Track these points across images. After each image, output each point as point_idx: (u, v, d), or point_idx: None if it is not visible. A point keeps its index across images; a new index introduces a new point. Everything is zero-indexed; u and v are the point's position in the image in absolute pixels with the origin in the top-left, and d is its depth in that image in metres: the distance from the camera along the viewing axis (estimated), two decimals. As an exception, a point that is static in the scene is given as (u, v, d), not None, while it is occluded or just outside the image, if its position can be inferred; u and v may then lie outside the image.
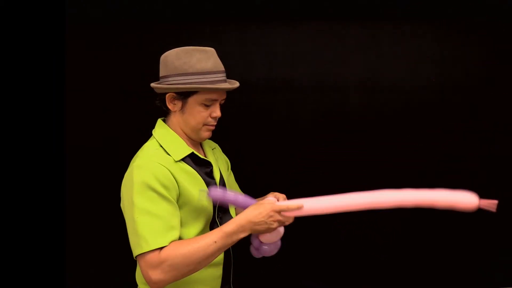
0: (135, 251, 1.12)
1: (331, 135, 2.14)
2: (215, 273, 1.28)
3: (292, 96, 2.09)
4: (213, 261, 1.18)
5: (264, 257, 1.32)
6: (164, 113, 1.32)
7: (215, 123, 1.28)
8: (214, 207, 1.29)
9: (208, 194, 1.21)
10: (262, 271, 2.01)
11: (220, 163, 1.43)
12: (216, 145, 1.50)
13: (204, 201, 1.24)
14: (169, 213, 1.14)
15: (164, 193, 1.14)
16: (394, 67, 2.09)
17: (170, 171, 1.17)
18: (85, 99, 2.02)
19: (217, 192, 1.22)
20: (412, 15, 2.04)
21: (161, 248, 1.10)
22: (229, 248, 1.26)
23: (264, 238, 1.24)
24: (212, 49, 1.26)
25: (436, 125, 2.14)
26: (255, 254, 1.30)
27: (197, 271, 1.14)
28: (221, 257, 1.28)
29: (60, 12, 1.82)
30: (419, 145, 2.16)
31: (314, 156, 2.15)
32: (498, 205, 1.27)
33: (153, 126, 1.36)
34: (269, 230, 1.17)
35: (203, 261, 1.11)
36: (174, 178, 1.17)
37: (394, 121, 2.13)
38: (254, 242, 1.28)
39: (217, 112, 1.25)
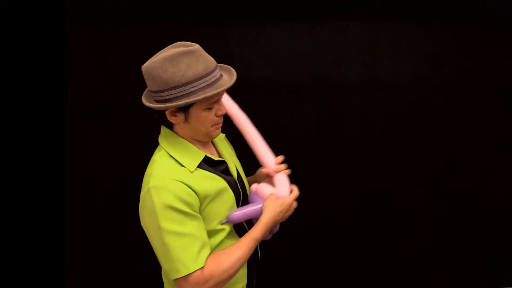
0: (173, 275, 1.11)
1: (331, 135, 2.14)
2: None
3: (292, 96, 2.09)
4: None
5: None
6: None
7: (222, 119, 1.24)
8: (238, 201, 1.28)
9: (229, 220, 1.21)
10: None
11: (232, 154, 1.40)
12: (223, 134, 1.46)
13: (226, 202, 1.24)
14: (199, 230, 1.13)
15: (189, 210, 1.11)
16: (394, 67, 2.09)
17: (188, 185, 1.13)
18: (85, 99, 2.02)
19: (237, 214, 1.22)
20: (412, 15, 2.04)
21: (201, 268, 1.11)
22: (251, 262, 1.33)
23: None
24: (197, 46, 1.13)
25: (436, 125, 2.14)
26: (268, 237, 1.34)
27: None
28: (244, 268, 1.31)
29: (60, 12, 1.82)
30: (419, 145, 2.16)
31: (314, 156, 2.15)
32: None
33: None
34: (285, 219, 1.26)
35: (239, 268, 1.16)
36: (194, 191, 1.14)
37: (394, 121, 2.13)
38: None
39: (222, 110, 1.19)
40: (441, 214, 2.22)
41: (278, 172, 1.32)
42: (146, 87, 2.13)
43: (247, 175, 1.51)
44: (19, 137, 1.67)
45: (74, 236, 2.10)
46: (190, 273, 1.09)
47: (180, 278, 1.10)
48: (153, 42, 1.99)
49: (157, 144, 1.28)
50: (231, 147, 1.48)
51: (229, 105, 1.34)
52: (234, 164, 1.35)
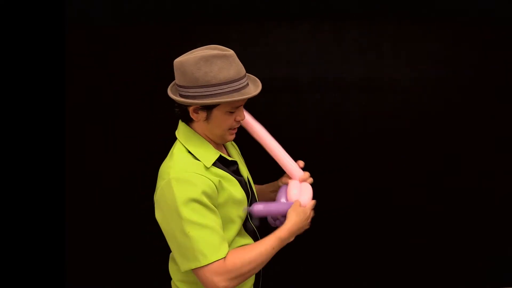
0: (192, 265, 1.13)
1: (331, 135, 2.14)
2: None
3: (292, 96, 2.09)
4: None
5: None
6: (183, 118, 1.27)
7: (238, 125, 1.27)
8: (247, 201, 1.32)
9: (251, 211, 1.24)
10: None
11: (241, 158, 1.45)
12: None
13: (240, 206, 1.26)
14: (217, 224, 1.16)
15: (210, 204, 1.15)
16: (394, 67, 2.09)
17: (209, 179, 1.17)
18: (85, 99, 2.02)
19: (259, 207, 1.25)
20: (412, 15, 2.04)
21: (223, 258, 1.13)
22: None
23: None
24: (232, 52, 1.19)
25: (436, 125, 2.14)
26: (273, 224, 1.39)
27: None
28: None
29: (60, 12, 1.82)
30: (419, 145, 2.16)
31: (314, 156, 2.15)
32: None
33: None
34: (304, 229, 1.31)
35: (262, 265, 1.19)
36: (214, 184, 1.17)
37: (394, 121, 2.13)
38: (274, 220, 1.37)
39: (241, 116, 1.23)
40: (441, 214, 2.22)
41: (304, 181, 1.39)
42: (145, 87, 2.13)
43: (255, 180, 1.52)
44: (19, 137, 1.67)
45: (74, 236, 2.10)
46: (210, 263, 1.11)
47: (198, 268, 1.12)
48: (153, 42, 2.00)
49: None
50: (239, 152, 1.51)
51: (247, 116, 1.40)
52: (244, 166, 1.40)
